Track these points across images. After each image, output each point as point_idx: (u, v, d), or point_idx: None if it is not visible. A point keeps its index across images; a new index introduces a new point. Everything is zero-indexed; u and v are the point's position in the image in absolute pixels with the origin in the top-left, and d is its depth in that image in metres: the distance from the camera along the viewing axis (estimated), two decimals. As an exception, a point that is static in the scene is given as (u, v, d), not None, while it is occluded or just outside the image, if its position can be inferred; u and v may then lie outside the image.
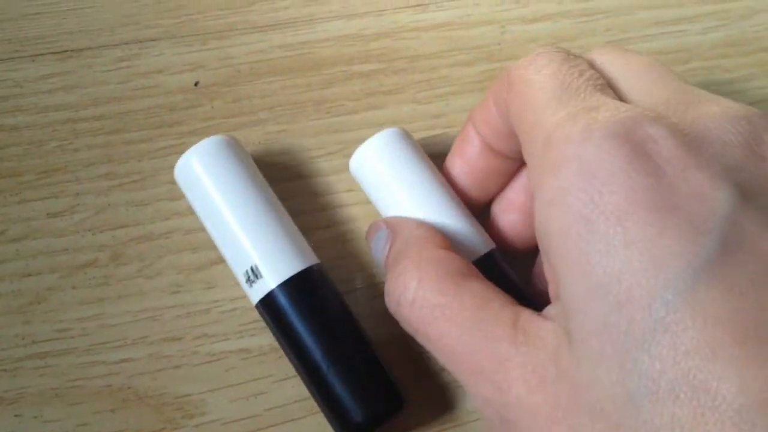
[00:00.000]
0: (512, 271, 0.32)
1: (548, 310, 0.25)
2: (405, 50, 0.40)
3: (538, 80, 0.27)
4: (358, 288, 0.35)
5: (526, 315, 0.25)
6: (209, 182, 0.32)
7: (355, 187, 0.36)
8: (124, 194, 0.35)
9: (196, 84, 0.38)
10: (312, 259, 0.32)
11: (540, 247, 0.25)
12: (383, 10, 0.41)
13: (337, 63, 0.39)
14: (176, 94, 0.38)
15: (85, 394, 0.32)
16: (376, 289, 0.34)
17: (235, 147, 0.33)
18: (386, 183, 0.33)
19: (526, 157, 0.27)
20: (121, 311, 0.33)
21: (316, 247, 0.33)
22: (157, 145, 0.36)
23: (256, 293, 0.31)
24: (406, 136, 0.34)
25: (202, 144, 0.33)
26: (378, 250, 0.32)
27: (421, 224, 0.31)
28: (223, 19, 0.40)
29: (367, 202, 0.35)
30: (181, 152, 0.35)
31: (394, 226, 0.31)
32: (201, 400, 0.32)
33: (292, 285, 0.31)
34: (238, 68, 0.39)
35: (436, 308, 0.26)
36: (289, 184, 0.36)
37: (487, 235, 0.33)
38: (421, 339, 0.27)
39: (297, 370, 0.31)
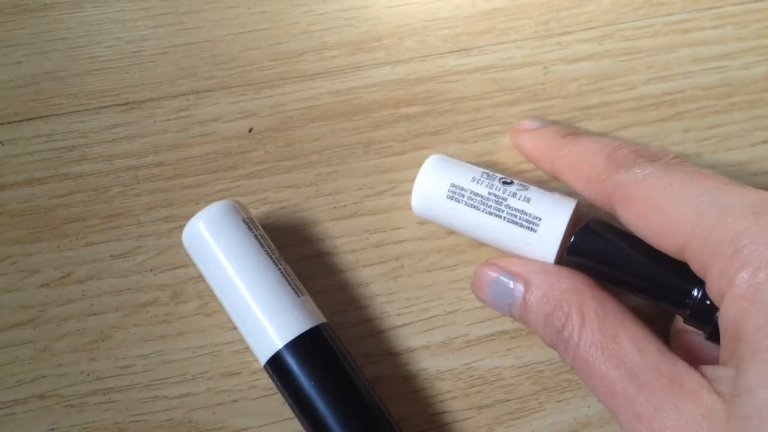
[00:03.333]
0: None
1: (710, 370, 0.26)
2: (449, 92, 0.41)
3: (672, 192, 0.28)
4: (366, 347, 0.35)
5: (682, 367, 0.26)
6: (215, 247, 0.33)
7: (404, 224, 0.37)
8: (183, 236, 0.37)
9: (250, 130, 0.40)
10: (318, 318, 0.33)
11: (721, 329, 0.26)
12: (427, 56, 0.43)
13: (384, 106, 0.41)
14: (231, 141, 0.40)
15: (147, 428, 0.33)
16: (385, 346, 0.35)
17: (240, 211, 0.35)
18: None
19: (699, 254, 0.27)
20: (181, 348, 0.34)
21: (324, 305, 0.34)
22: (214, 189, 0.38)
23: (264, 354, 0.32)
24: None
25: (208, 210, 0.34)
26: (503, 298, 0.32)
27: (551, 267, 0.32)
28: (274, 69, 0.42)
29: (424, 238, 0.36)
30: (237, 195, 0.36)
31: (522, 274, 0.32)
32: (258, 432, 0.33)
33: (298, 344, 0.31)
34: (290, 114, 0.40)
35: (597, 349, 0.28)
36: (340, 222, 0.37)
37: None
38: (581, 376, 0.29)
39: (306, 429, 0.31)
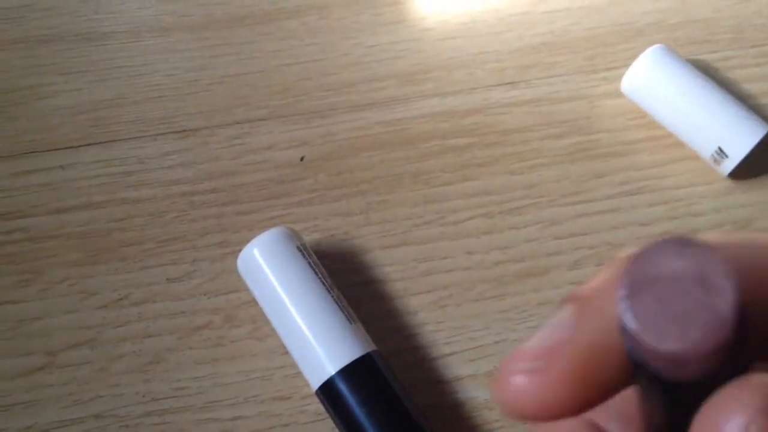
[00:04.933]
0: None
1: None
2: (497, 125, 0.42)
3: None
4: (414, 374, 0.36)
5: None
6: (269, 273, 0.34)
7: (452, 254, 0.38)
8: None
9: (302, 159, 0.41)
10: (369, 345, 0.33)
11: None
12: (475, 88, 0.44)
13: (433, 137, 0.42)
14: (284, 168, 0.40)
15: (200, 450, 0.34)
16: (433, 375, 0.36)
17: (294, 238, 0.35)
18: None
19: None
20: (234, 371, 0.35)
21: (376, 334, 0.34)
22: (266, 215, 0.39)
23: (316, 380, 0.33)
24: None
25: (263, 236, 0.35)
26: None
27: None
28: (326, 99, 0.43)
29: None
30: (289, 222, 0.37)
31: None
32: (309, 457, 0.33)
33: (350, 371, 0.32)
34: (340, 144, 0.41)
35: None
36: (389, 251, 0.38)
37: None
38: None
39: None
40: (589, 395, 0.14)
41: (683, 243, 0.11)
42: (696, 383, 0.12)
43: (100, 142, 0.41)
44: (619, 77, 0.43)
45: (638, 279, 0.11)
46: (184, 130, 0.42)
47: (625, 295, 0.11)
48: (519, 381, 0.14)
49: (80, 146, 0.41)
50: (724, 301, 0.11)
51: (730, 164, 0.39)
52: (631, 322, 0.11)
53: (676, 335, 0.11)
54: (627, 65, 0.42)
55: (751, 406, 0.11)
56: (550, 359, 0.14)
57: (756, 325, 0.13)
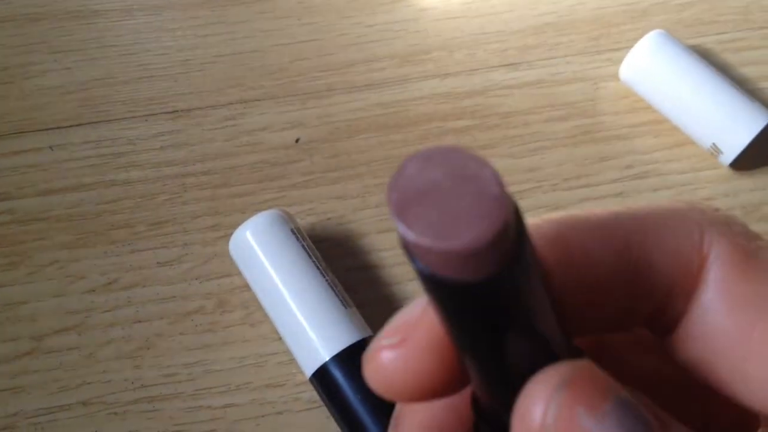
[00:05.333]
0: None
1: None
2: (498, 107, 0.41)
3: None
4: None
5: None
6: (262, 257, 0.33)
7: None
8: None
9: (297, 141, 0.40)
10: (365, 331, 0.32)
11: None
12: (475, 70, 0.42)
13: (432, 120, 0.41)
14: (278, 150, 0.39)
15: (190, 438, 0.33)
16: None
17: (288, 221, 0.34)
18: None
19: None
20: (226, 357, 0.34)
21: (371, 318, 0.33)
22: (260, 198, 0.38)
23: (309, 367, 0.32)
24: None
25: (256, 219, 0.34)
26: None
27: None
28: (323, 80, 0.42)
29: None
30: (283, 205, 0.36)
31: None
32: (302, 446, 0.32)
33: (345, 357, 0.31)
34: (337, 125, 0.40)
35: None
36: (387, 235, 0.37)
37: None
38: None
39: None
40: (449, 368, 0.15)
41: (429, 154, 0.12)
42: (489, 287, 0.12)
43: (90, 123, 0.40)
44: (624, 59, 0.42)
45: (402, 196, 0.11)
46: (176, 111, 0.40)
47: (396, 214, 0.11)
48: (382, 356, 0.15)
49: (70, 126, 0.40)
50: (488, 183, 0.11)
51: (726, 158, 0.38)
52: (408, 234, 0.11)
53: (456, 229, 0.11)
54: (631, 46, 0.40)
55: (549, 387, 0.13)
56: (407, 331, 0.15)
57: (567, 293, 0.15)
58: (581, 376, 0.13)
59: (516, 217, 0.12)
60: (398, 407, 0.18)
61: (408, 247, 0.12)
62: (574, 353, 0.16)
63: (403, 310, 0.15)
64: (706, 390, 0.17)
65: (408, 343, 0.15)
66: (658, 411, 0.14)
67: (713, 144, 0.38)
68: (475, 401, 0.16)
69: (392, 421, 0.18)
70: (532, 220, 0.15)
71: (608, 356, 0.19)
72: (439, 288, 0.12)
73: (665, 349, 0.17)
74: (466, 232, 0.11)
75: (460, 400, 0.18)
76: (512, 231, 0.12)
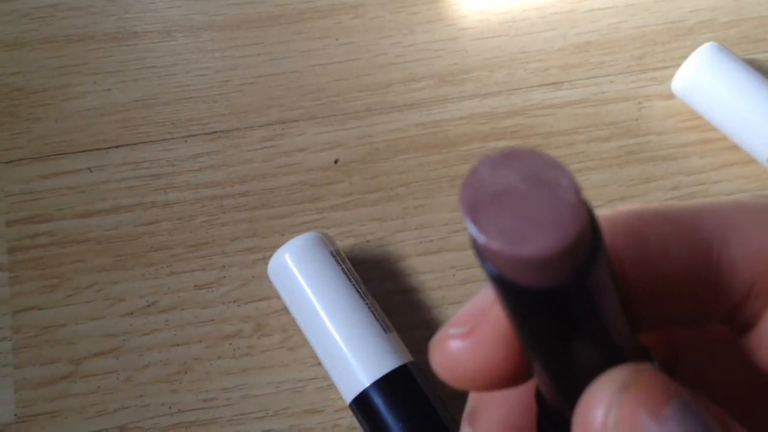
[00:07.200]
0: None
1: None
2: (539, 127, 0.40)
3: None
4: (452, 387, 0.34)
5: None
6: (301, 280, 0.33)
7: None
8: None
9: (335, 161, 0.39)
10: (406, 356, 0.32)
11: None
12: (516, 89, 0.42)
13: (472, 140, 0.40)
14: (317, 172, 0.39)
15: (228, 465, 0.32)
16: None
17: (327, 243, 0.34)
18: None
19: None
20: (264, 382, 0.34)
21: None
22: (298, 220, 0.37)
23: (349, 392, 0.31)
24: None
25: (295, 241, 0.33)
26: None
27: None
28: (361, 100, 0.41)
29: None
30: (322, 227, 0.36)
31: None
32: (342, 475, 0.32)
33: (386, 383, 0.30)
34: (376, 146, 0.40)
35: None
36: (427, 258, 0.36)
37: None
38: None
39: None
40: (517, 359, 0.15)
41: (505, 155, 0.11)
42: (559, 294, 0.12)
43: (129, 144, 0.40)
44: (669, 77, 0.41)
45: (476, 199, 0.11)
46: (215, 132, 0.40)
47: (468, 215, 0.11)
48: (451, 345, 0.15)
49: (109, 148, 0.40)
50: (564, 189, 0.11)
51: None
52: (480, 236, 0.11)
53: (529, 235, 0.11)
54: (677, 65, 0.40)
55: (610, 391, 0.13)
56: (476, 322, 0.15)
57: (641, 287, 0.15)
58: (643, 379, 0.13)
59: (592, 227, 0.12)
60: (470, 405, 0.19)
61: (478, 249, 0.11)
62: (640, 353, 0.15)
63: (471, 300, 0.15)
64: None
65: (476, 333, 0.15)
66: (721, 413, 0.14)
67: None
68: (539, 394, 0.16)
69: (465, 418, 0.18)
70: (606, 212, 0.15)
71: (681, 355, 0.19)
72: (507, 291, 0.12)
73: (742, 347, 0.17)
74: (539, 239, 0.11)
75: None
76: (587, 241, 0.11)
